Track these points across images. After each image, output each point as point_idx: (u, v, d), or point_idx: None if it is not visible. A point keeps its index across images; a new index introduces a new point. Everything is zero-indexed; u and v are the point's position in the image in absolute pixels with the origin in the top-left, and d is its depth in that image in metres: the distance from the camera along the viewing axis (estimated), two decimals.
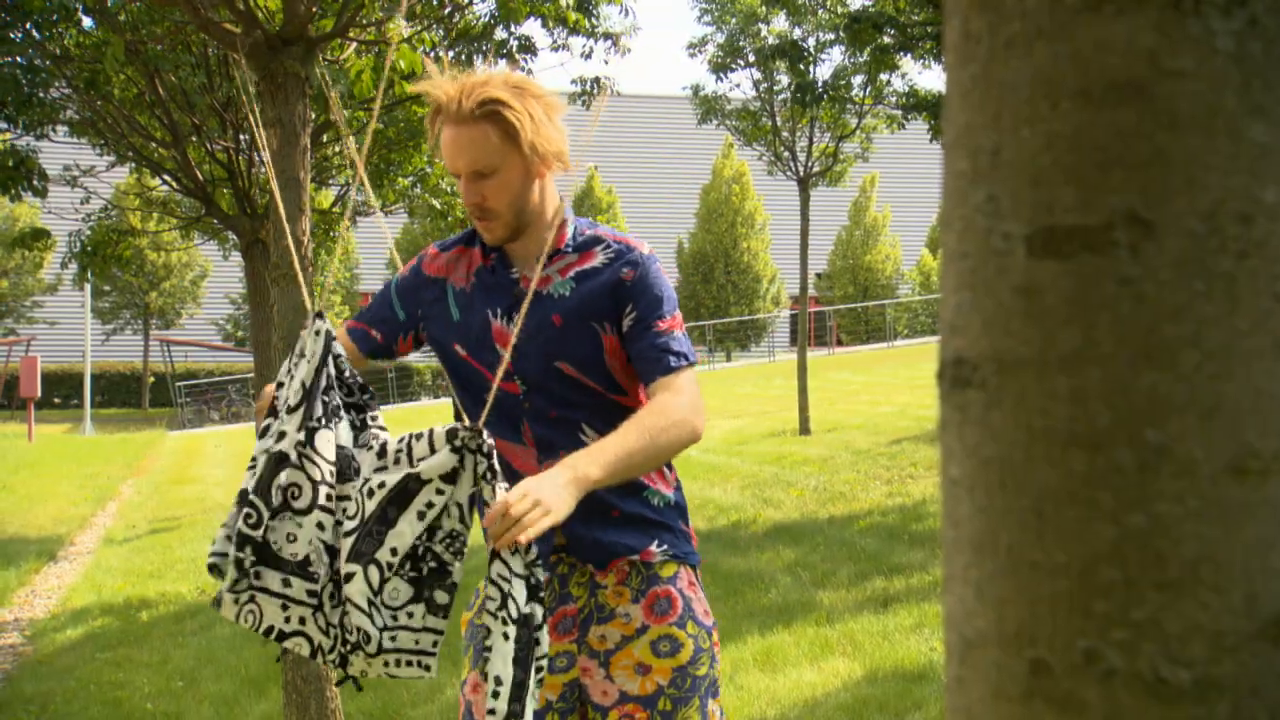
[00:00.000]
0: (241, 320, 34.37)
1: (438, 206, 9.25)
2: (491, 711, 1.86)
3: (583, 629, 2.20)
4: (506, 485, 1.93)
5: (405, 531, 1.96)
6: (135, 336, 34.54)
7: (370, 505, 1.97)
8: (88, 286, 26.99)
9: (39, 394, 23.77)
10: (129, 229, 9.34)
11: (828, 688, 4.95)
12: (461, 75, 2.12)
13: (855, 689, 4.88)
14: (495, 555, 1.89)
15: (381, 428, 2.07)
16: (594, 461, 1.97)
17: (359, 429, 2.07)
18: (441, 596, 2.00)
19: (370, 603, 1.96)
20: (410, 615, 2.00)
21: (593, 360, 2.16)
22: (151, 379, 35.10)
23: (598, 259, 2.20)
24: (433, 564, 1.98)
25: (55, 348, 34.52)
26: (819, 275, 40.01)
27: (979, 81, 0.63)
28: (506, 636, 1.88)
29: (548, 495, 1.87)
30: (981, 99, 0.62)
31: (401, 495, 1.96)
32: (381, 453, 2.02)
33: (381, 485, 1.97)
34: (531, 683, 1.89)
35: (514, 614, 1.88)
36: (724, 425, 15.91)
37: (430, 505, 1.95)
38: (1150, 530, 0.58)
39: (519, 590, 1.89)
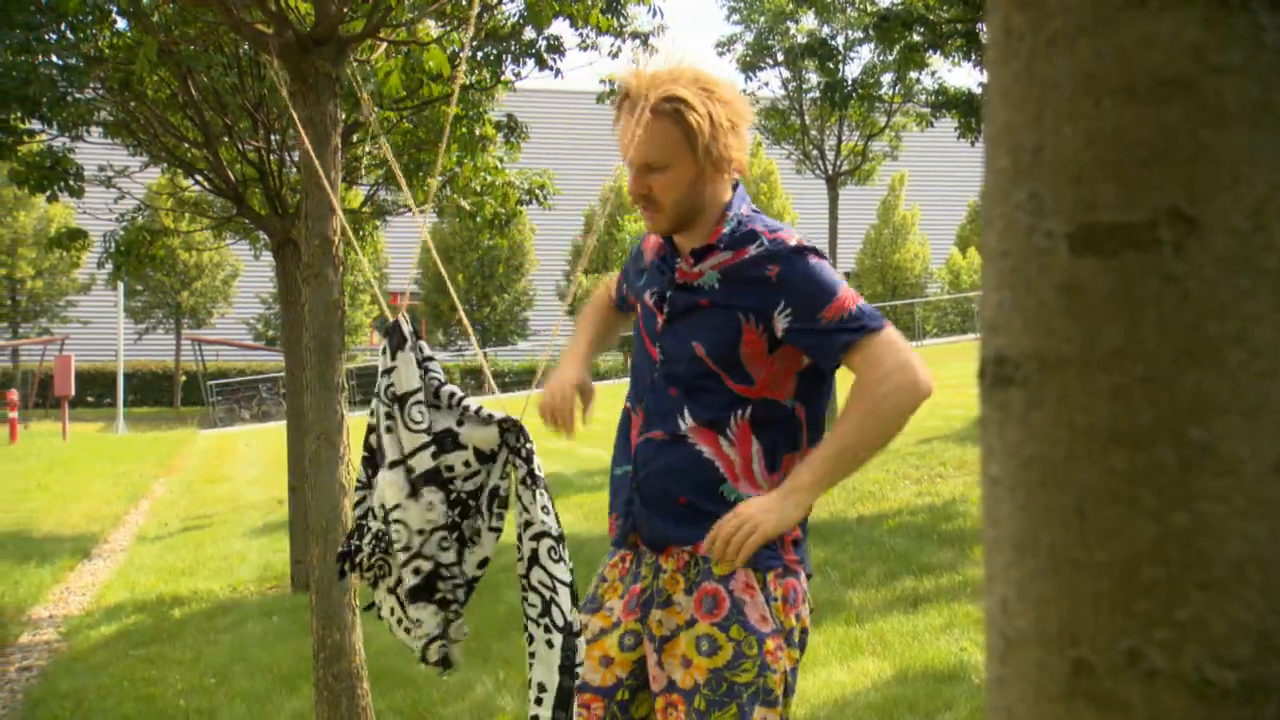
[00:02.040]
0: (272, 319, 34.59)
1: (467, 207, 9.27)
2: (535, 718, 1.87)
3: (644, 610, 2.20)
4: (546, 494, 1.95)
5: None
6: (167, 336, 34.81)
7: (408, 438, 1.99)
8: (121, 286, 27.26)
9: (73, 393, 24.02)
10: (162, 229, 9.41)
11: (857, 687, 4.93)
12: (656, 67, 2.13)
13: (885, 689, 4.87)
14: (535, 561, 1.91)
15: (438, 375, 2.08)
16: (805, 468, 2.08)
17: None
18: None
19: (384, 524, 2.00)
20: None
21: (727, 347, 2.16)
22: (183, 378, 35.37)
23: (749, 254, 2.18)
24: (455, 543, 1.99)
25: (89, 347, 34.84)
26: (847, 274, 39.88)
27: (1020, 79, 0.62)
28: (551, 644, 1.89)
29: (755, 512, 1.99)
30: (1023, 96, 0.62)
31: (436, 447, 1.97)
32: (436, 393, 2.03)
33: (428, 429, 1.98)
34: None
35: (559, 622, 1.89)
36: None
37: (451, 470, 1.96)
38: (1194, 529, 0.57)
39: (564, 597, 1.89)
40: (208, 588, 8.40)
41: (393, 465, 1.99)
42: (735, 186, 2.27)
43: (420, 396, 1.99)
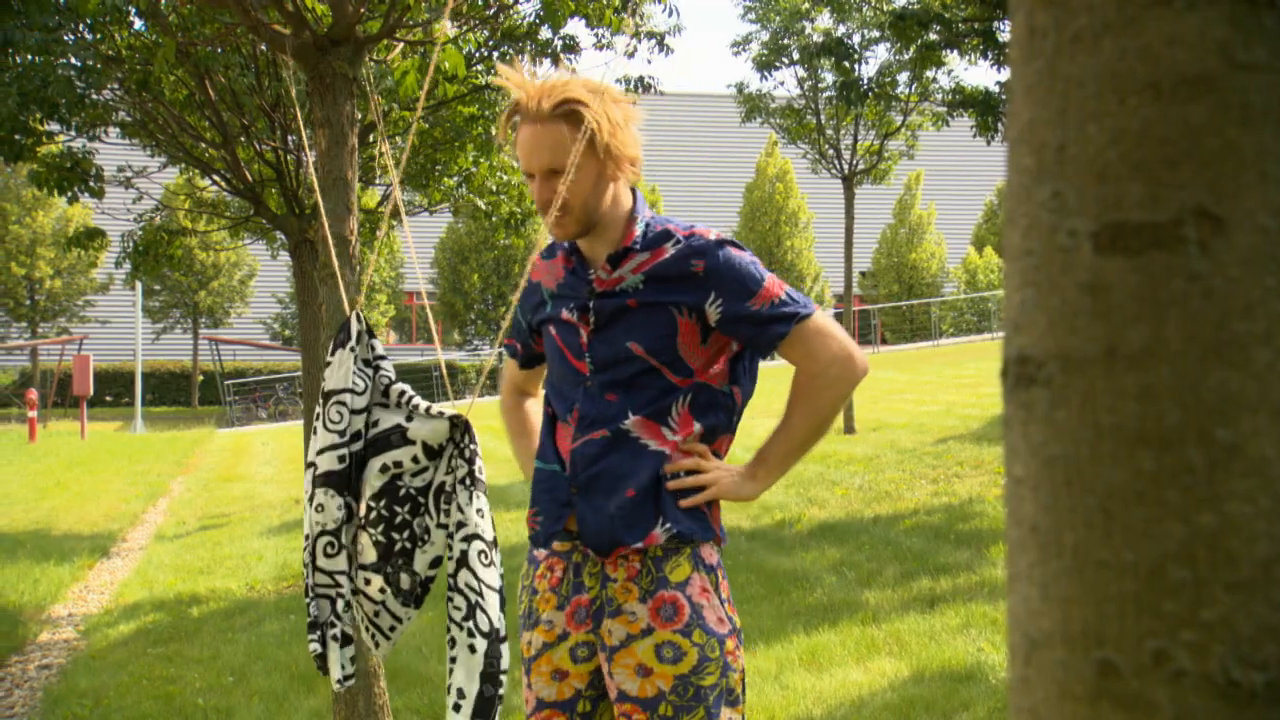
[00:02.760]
0: (289, 319, 34.72)
1: (482, 207, 9.29)
2: None
3: (596, 620, 2.20)
4: (484, 497, 1.96)
5: (370, 480, 1.98)
6: (185, 335, 34.97)
7: (359, 427, 2.00)
8: (139, 286, 27.41)
9: (91, 392, 24.15)
10: (179, 229, 9.45)
11: (874, 687, 4.92)
12: (542, 76, 2.18)
13: (902, 689, 4.86)
14: (463, 564, 1.90)
15: (389, 374, 2.08)
16: (764, 462, 2.24)
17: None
18: (404, 580, 2.01)
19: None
20: (367, 582, 2.01)
21: (664, 341, 2.19)
22: (200, 377, 35.52)
23: (668, 253, 2.22)
24: (407, 543, 1.99)
25: (107, 346, 35.04)
26: (863, 273, 39.80)
27: (1044, 77, 0.62)
28: (473, 649, 1.87)
29: (722, 474, 2.18)
30: (1047, 94, 0.62)
31: (381, 441, 1.97)
32: (385, 391, 2.04)
33: (376, 424, 1.99)
34: (498, 697, 1.88)
35: (484, 627, 1.87)
36: (768, 424, 15.72)
37: (399, 465, 1.96)
38: (1221, 530, 0.57)
39: (491, 603, 1.88)
40: (225, 586, 8.43)
41: (307, 466, 2.00)
42: (634, 192, 2.31)
43: (344, 397, 1.99)
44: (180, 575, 8.94)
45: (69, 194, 7.59)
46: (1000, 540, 7.46)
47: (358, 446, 1.99)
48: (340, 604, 1.99)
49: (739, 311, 2.18)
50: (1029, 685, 0.63)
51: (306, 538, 2.01)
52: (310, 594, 2.01)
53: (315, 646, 2.03)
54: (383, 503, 1.99)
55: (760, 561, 7.56)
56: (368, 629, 2.04)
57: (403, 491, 1.98)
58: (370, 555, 2.00)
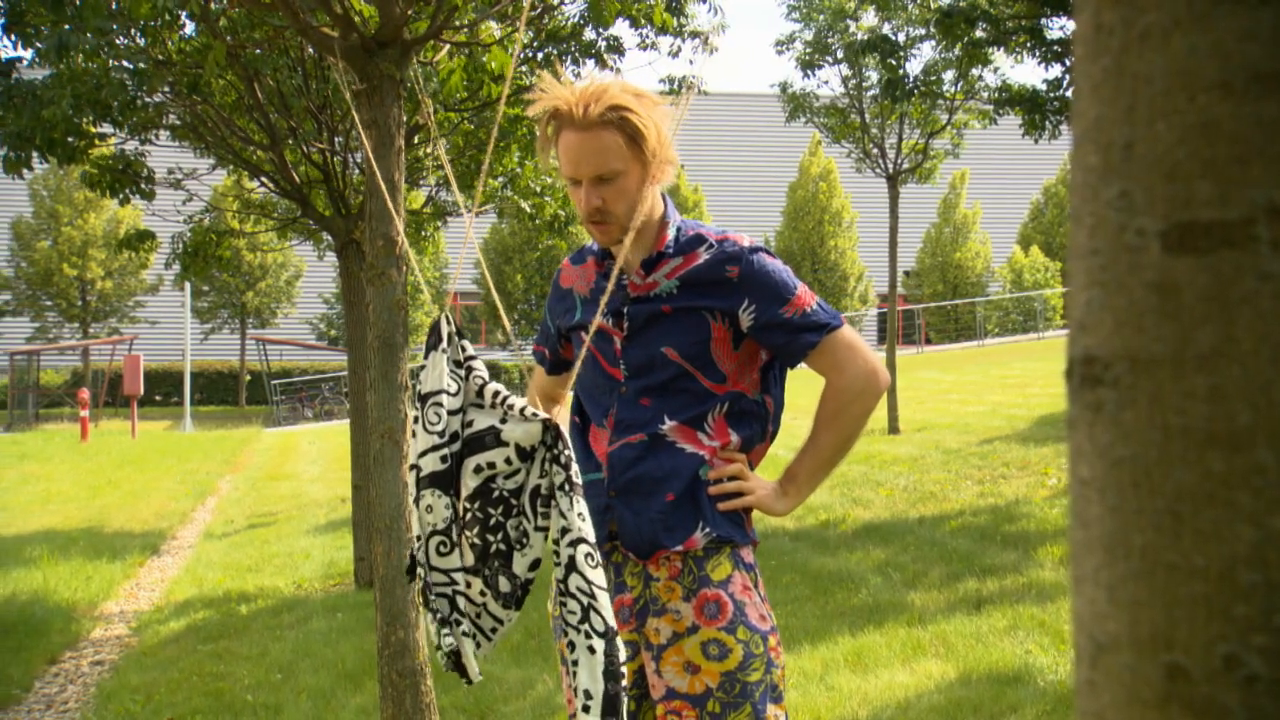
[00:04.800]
0: (335, 319, 35.01)
1: (527, 209, 9.31)
2: None
3: (639, 619, 2.22)
4: (582, 501, 1.96)
5: (466, 480, 2.00)
6: (232, 336, 35.37)
7: (455, 428, 2.02)
8: (188, 287, 27.74)
9: (141, 391, 24.47)
10: (228, 230, 9.56)
11: (920, 689, 4.89)
12: (574, 83, 2.18)
13: (948, 691, 4.82)
14: (572, 568, 1.91)
15: (482, 374, 2.09)
16: (796, 480, 2.26)
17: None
18: (503, 583, 2.03)
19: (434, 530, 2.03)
20: (468, 585, 2.03)
21: (699, 346, 2.21)
22: (248, 377, 35.92)
23: (701, 258, 2.24)
24: (502, 545, 2.00)
25: (156, 346, 35.52)
26: (907, 273, 39.55)
27: (1111, 74, 0.61)
28: (592, 650, 1.89)
29: (756, 485, 2.22)
30: (1114, 92, 0.61)
31: (475, 441, 1.99)
32: (480, 392, 2.05)
33: (470, 424, 2.00)
34: (622, 694, 1.90)
35: (599, 627, 1.89)
36: (806, 424, 15.77)
37: (492, 466, 1.98)
38: None
39: (603, 602, 1.90)
40: (273, 584, 8.52)
41: (411, 468, 2.02)
42: (664, 197, 2.31)
43: (440, 399, 2.00)
44: (229, 573, 9.04)
45: (120, 196, 7.71)
46: (1047, 542, 7.38)
47: (455, 447, 2.01)
48: (461, 601, 2.02)
49: (772, 318, 2.20)
50: (1095, 689, 0.62)
51: (418, 538, 2.03)
52: (430, 594, 2.03)
53: (450, 641, 2.05)
54: (477, 504, 2.01)
55: (805, 562, 7.53)
56: (468, 631, 2.07)
57: (496, 493, 2.00)
58: (469, 558, 2.03)
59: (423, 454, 2.00)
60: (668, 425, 2.21)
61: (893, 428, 13.86)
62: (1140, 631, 0.59)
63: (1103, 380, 0.62)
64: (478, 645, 2.08)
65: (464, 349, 2.06)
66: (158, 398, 35.15)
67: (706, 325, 2.21)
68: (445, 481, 1.99)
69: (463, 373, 2.05)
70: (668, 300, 2.22)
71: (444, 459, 1.99)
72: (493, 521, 2.01)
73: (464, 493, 2.02)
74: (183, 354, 29.98)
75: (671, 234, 2.26)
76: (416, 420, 2.03)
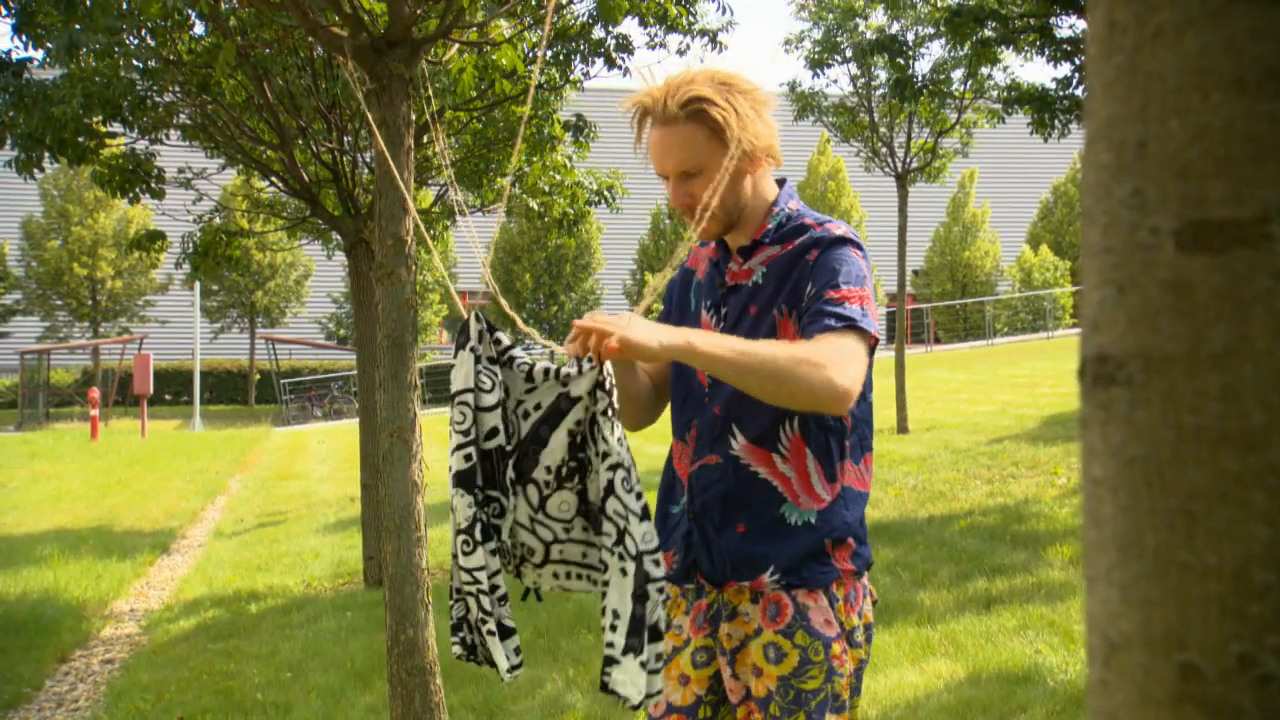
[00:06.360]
0: (344, 319, 35.06)
1: (535, 207, 9.32)
2: (610, 644, 1.89)
3: (713, 624, 2.21)
4: (623, 431, 1.96)
5: (556, 450, 2.00)
6: (242, 335, 35.43)
7: (525, 427, 2.02)
8: (197, 286, 27.80)
9: (151, 391, 24.53)
10: (237, 230, 9.58)
11: (930, 689, 4.89)
12: (670, 75, 2.12)
13: (958, 690, 4.82)
14: (610, 491, 1.91)
15: (525, 361, 2.07)
16: (705, 336, 1.93)
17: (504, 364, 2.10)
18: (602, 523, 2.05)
19: (532, 519, 2.04)
20: (578, 528, 2.05)
21: None
22: (257, 376, 35.99)
23: (794, 245, 2.17)
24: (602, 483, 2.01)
25: (166, 346, 35.60)
26: (916, 272, 39.50)
27: (1124, 73, 0.61)
28: (624, 572, 1.91)
29: (622, 319, 1.88)
30: (1127, 91, 0.61)
31: (554, 414, 2.00)
32: (529, 376, 2.05)
33: (537, 406, 2.01)
34: (650, 615, 1.90)
35: (631, 550, 1.90)
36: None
37: (579, 423, 1.99)
38: None
39: (636, 527, 1.91)
40: (283, 583, 8.53)
41: (448, 468, 2.03)
42: (782, 184, 2.25)
43: (467, 398, 2.01)
44: (239, 572, 9.05)
45: (130, 195, 7.72)
46: (1057, 542, 7.37)
47: (496, 442, 2.01)
48: (487, 600, 2.02)
49: (818, 294, 2.07)
50: (1108, 688, 0.62)
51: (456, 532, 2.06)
52: (456, 594, 2.04)
53: (456, 650, 2.06)
54: (567, 458, 2.02)
55: None
56: (577, 575, 2.08)
57: (579, 438, 2.01)
58: (573, 504, 2.03)
59: (452, 452, 2.01)
60: (740, 444, 2.15)
61: (901, 427, 13.84)
62: (1153, 631, 0.59)
63: (1116, 379, 0.62)
64: (601, 589, 2.04)
65: (498, 342, 2.06)
66: (167, 397, 35.22)
67: (774, 324, 2.12)
68: (470, 480, 2.00)
69: (497, 369, 2.05)
70: (756, 297, 2.16)
71: (467, 457, 1.99)
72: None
73: (555, 460, 2.01)
74: (192, 353, 30.05)
75: (773, 223, 2.20)
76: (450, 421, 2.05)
